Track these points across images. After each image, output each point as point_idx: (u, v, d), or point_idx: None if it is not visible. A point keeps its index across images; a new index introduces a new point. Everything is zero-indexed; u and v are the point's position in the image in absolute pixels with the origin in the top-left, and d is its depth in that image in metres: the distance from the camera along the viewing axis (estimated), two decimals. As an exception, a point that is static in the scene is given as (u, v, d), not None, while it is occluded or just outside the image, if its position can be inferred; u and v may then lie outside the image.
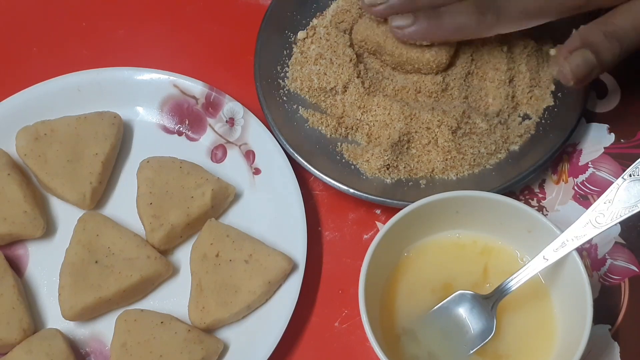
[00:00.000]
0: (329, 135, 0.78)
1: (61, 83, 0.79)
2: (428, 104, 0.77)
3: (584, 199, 0.77)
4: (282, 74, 0.81)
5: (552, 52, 0.80)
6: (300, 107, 0.79)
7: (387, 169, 0.75)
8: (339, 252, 0.75)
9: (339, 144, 0.77)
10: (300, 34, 0.82)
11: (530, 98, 0.79)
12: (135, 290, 0.70)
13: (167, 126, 0.80)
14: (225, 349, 0.69)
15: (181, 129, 0.80)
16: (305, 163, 0.74)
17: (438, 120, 0.74)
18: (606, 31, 0.67)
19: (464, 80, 0.78)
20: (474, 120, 0.75)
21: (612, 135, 0.80)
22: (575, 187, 0.77)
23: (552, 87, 0.79)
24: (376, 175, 0.75)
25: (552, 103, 0.78)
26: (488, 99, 0.78)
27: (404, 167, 0.75)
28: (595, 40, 0.67)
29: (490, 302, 0.65)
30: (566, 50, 0.68)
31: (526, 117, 0.78)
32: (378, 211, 0.77)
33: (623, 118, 0.80)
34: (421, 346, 0.66)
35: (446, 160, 0.75)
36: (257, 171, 0.77)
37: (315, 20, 0.83)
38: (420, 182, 0.75)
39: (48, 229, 0.74)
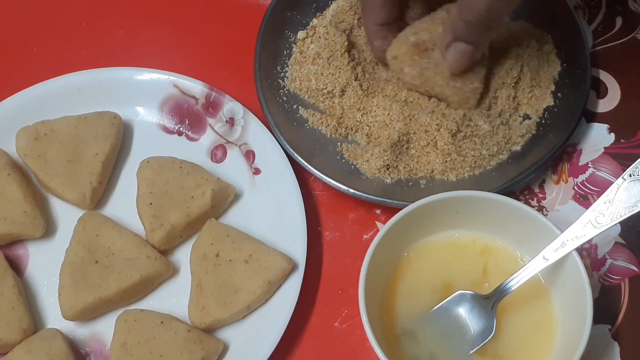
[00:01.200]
0: (329, 135, 0.78)
1: (61, 83, 0.79)
2: (429, 104, 0.77)
3: (584, 199, 0.77)
4: (282, 74, 0.81)
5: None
6: (300, 107, 0.79)
7: (387, 169, 0.75)
8: (339, 252, 0.75)
9: (339, 144, 0.77)
10: (300, 34, 0.82)
11: (531, 98, 0.79)
12: (135, 290, 0.70)
13: (167, 126, 0.80)
14: (225, 349, 0.69)
15: (181, 129, 0.80)
16: (305, 163, 0.74)
17: (437, 124, 0.74)
18: (465, 18, 0.69)
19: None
20: (475, 123, 0.75)
21: (612, 135, 0.80)
22: (575, 187, 0.77)
23: (552, 87, 0.79)
24: (376, 175, 0.75)
25: (552, 103, 0.78)
26: (489, 99, 0.78)
27: (404, 168, 0.75)
28: (460, 31, 0.69)
29: (490, 302, 0.65)
30: (444, 47, 0.71)
31: (526, 117, 0.78)
32: (378, 211, 0.77)
33: (623, 118, 0.80)
34: (421, 346, 0.66)
35: (445, 162, 0.75)
36: (257, 171, 0.77)
37: (315, 20, 0.83)
38: (420, 182, 0.75)
39: (48, 229, 0.74)
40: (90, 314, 0.70)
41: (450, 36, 0.70)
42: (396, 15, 0.75)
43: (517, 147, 0.77)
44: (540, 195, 0.77)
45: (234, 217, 0.75)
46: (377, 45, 0.76)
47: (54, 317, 0.71)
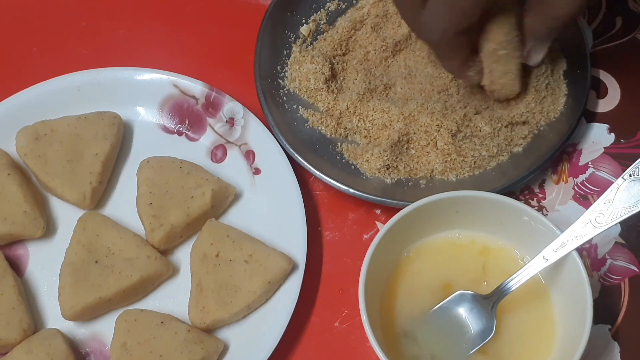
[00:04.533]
0: (329, 135, 0.78)
1: (61, 83, 0.79)
2: (430, 103, 0.77)
3: (584, 199, 0.77)
4: (282, 74, 0.81)
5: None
6: (300, 107, 0.79)
7: (387, 169, 0.75)
8: (339, 252, 0.75)
9: (339, 144, 0.77)
10: (304, 29, 0.82)
11: (544, 103, 0.78)
12: (135, 290, 0.70)
13: (167, 126, 0.80)
14: (225, 349, 0.69)
15: (181, 129, 0.79)
16: (305, 163, 0.74)
17: (437, 125, 0.74)
18: (549, 26, 0.70)
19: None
20: (475, 124, 0.75)
21: (612, 135, 0.80)
22: (575, 187, 0.77)
23: (565, 90, 0.79)
24: (376, 175, 0.75)
25: (553, 103, 0.78)
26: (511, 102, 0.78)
27: (404, 168, 0.75)
28: (543, 35, 0.72)
29: (491, 302, 0.65)
30: (525, 51, 0.73)
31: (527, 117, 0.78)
32: (378, 211, 0.77)
33: (623, 118, 0.80)
34: (421, 346, 0.66)
35: (446, 162, 0.75)
36: (257, 171, 0.77)
37: (315, 15, 0.83)
38: (420, 182, 0.75)
39: (48, 229, 0.74)
40: (90, 314, 0.70)
41: (531, 40, 0.72)
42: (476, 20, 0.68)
43: (519, 149, 0.77)
44: (540, 195, 0.77)
45: (234, 217, 0.75)
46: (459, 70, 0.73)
47: (54, 317, 0.71)
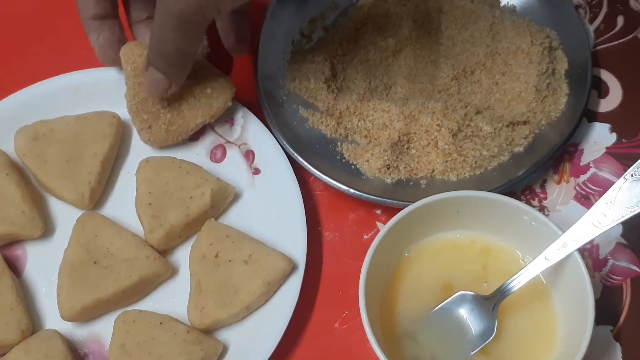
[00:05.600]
0: (329, 135, 0.78)
1: (60, 83, 0.79)
2: (431, 103, 0.76)
3: (586, 199, 0.77)
4: (282, 74, 0.80)
5: None
6: (300, 106, 0.79)
7: (387, 169, 0.75)
8: (339, 252, 0.75)
9: (339, 144, 0.77)
10: (304, 29, 0.82)
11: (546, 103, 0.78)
12: (134, 291, 0.70)
13: (167, 126, 0.79)
14: (224, 350, 0.69)
15: (181, 128, 0.79)
16: (305, 163, 0.73)
17: (438, 124, 0.74)
18: (150, 45, 0.69)
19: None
20: (476, 124, 0.75)
21: (614, 135, 0.79)
22: (577, 187, 0.77)
23: (567, 90, 0.79)
24: (376, 175, 0.75)
25: (555, 103, 0.78)
26: (511, 100, 0.77)
27: (404, 167, 0.75)
28: (150, 56, 0.70)
29: (492, 302, 0.65)
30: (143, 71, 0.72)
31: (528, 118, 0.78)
32: (378, 211, 0.76)
33: (625, 118, 0.80)
34: (422, 347, 0.65)
35: (446, 162, 0.74)
36: (256, 171, 0.76)
37: (315, 15, 0.83)
38: (421, 182, 0.75)
39: (46, 229, 0.74)
40: (89, 314, 0.70)
41: (147, 61, 0.71)
42: (110, 10, 0.74)
43: (520, 149, 0.76)
44: (542, 195, 0.77)
45: (234, 217, 0.75)
46: (94, 40, 0.75)
47: (52, 318, 0.70)
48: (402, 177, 0.75)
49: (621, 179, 0.62)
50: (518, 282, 0.64)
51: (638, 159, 0.62)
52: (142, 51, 0.73)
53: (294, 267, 0.70)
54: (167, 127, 0.75)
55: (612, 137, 0.79)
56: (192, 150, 0.78)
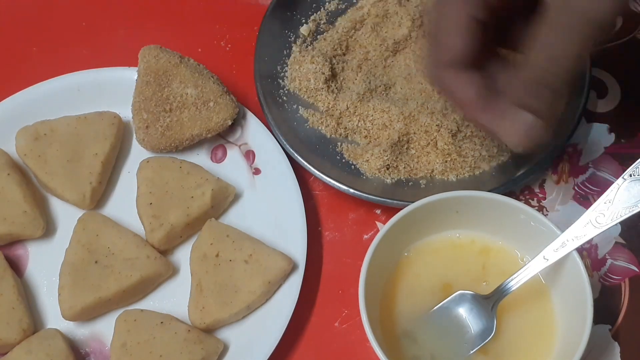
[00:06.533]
0: (329, 135, 0.78)
1: (61, 83, 0.79)
2: (430, 103, 0.77)
3: (584, 199, 0.77)
4: (282, 74, 0.81)
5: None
6: (300, 107, 0.79)
7: (387, 169, 0.75)
8: (339, 252, 0.75)
9: (339, 144, 0.77)
10: (304, 29, 0.82)
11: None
12: (135, 291, 0.70)
13: (167, 126, 0.80)
14: (225, 349, 0.69)
15: (181, 129, 0.79)
16: (305, 163, 0.74)
17: (437, 124, 0.74)
18: (526, 80, 0.56)
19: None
20: (476, 124, 0.75)
21: (613, 135, 0.80)
22: (576, 187, 0.77)
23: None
24: (376, 175, 0.75)
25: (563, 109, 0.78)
26: None
27: (404, 167, 0.75)
28: (522, 95, 0.57)
29: (491, 302, 0.65)
30: (502, 118, 0.59)
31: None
32: (378, 211, 0.77)
33: (623, 118, 0.80)
34: (421, 346, 0.66)
35: (446, 162, 0.75)
36: (257, 171, 0.77)
37: (315, 15, 0.83)
38: (420, 182, 0.75)
39: (48, 229, 0.74)
40: (90, 314, 0.70)
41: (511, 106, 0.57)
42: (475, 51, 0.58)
43: (519, 149, 0.76)
44: (541, 196, 0.77)
45: (234, 217, 0.75)
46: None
47: (53, 317, 0.71)
48: (402, 177, 0.75)
49: (620, 179, 0.62)
50: (517, 281, 0.65)
51: (637, 159, 0.62)
52: (159, 53, 0.75)
53: (294, 267, 0.70)
54: (163, 131, 0.75)
55: (611, 138, 0.80)
56: (193, 151, 0.78)
